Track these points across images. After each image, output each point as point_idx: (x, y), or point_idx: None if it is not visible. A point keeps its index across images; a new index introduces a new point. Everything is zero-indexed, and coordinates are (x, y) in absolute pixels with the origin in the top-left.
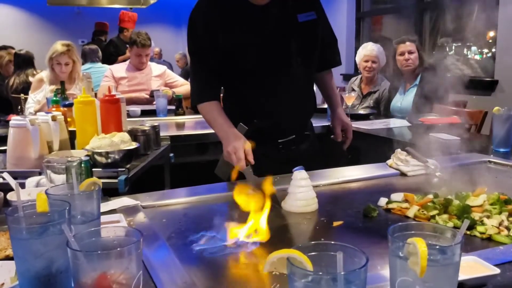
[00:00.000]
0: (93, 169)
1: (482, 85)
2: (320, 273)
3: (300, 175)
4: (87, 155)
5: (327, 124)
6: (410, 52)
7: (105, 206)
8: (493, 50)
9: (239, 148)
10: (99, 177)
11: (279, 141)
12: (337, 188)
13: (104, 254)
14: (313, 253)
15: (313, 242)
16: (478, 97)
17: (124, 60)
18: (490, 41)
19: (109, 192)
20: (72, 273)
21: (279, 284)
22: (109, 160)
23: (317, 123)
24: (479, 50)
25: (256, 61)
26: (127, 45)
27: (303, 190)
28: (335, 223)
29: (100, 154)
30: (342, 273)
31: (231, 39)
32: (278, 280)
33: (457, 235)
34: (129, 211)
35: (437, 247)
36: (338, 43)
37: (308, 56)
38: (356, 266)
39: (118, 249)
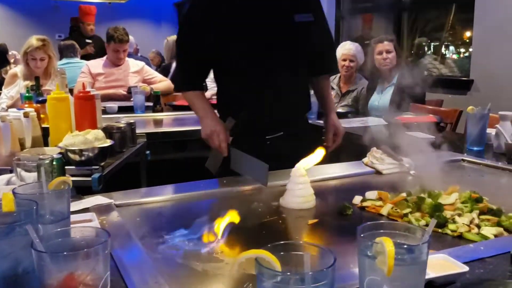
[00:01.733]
0: (66, 167)
1: (458, 84)
2: (288, 273)
3: (299, 172)
4: (60, 153)
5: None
6: (388, 52)
7: (77, 205)
8: (470, 49)
9: (221, 131)
10: (73, 175)
11: (266, 137)
12: (313, 186)
13: (70, 255)
14: (282, 253)
15: (282, 242)
16: (454, 96)
17: (85, 55)
18: (467, 40)
19: (82, 191)
20: (38, 275)
21: (252, 283)
22: (83, 158)
23: None
24: (457, 50)
25: (246, 51)
26: (87, 40)
27: (301, 186)
28: (310, 221)
29: (73, 151)
30: (310, 273)
31: (227, 23)
32: (250, 279)
33: (424, 234)
34: (102, 209)
35: (405, 246)
36: None
37: (300, 57)
38: (324, 265)
39: (85, 250)
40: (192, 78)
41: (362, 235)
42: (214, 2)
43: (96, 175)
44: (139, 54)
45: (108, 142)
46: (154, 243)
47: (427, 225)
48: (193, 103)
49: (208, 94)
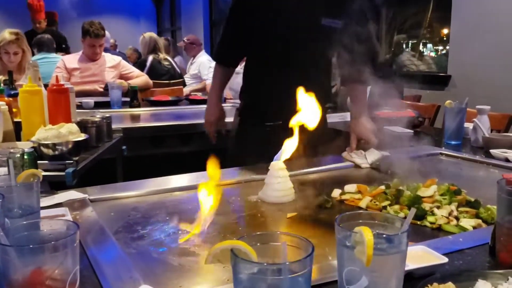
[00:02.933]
0: (39, 162)
1: (435, 80)
2: (265, 263)
3: (277, 165)
4: (32, 147)
5: None
6: None
7: (50, 200)
8: (447, 47)
9: (213, 123)
10: (46, 170)
11: (266, 124)
12: (292, 180)
13: (36, 249)
14: (258, 244)
15: (258, 233)
16: (432, 92)
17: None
18: (445, 38)
19: (56, 186)
20: (2, 270)
21: (230, 279)
22: (56, 152)
23: None
24: (435, 48)
25: (269, 43)
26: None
27: (280, 180)
28: (289, 215)
29: (46, 145)
30: (287, 262)
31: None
32: (230, 273)
33: (403, 224)
34: (76, 204)
35: (384, 236)
36: None
37: (320, 57)
38: (302, 255)
39: (52, 243)
40: (231, 50)
41: (340, 225)
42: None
43: (70, 170)
44: (117, 50)
45: (82, 136)
46: (128, 238)
47: (405, 217)
48: (211, 88)
49: (187, 90)
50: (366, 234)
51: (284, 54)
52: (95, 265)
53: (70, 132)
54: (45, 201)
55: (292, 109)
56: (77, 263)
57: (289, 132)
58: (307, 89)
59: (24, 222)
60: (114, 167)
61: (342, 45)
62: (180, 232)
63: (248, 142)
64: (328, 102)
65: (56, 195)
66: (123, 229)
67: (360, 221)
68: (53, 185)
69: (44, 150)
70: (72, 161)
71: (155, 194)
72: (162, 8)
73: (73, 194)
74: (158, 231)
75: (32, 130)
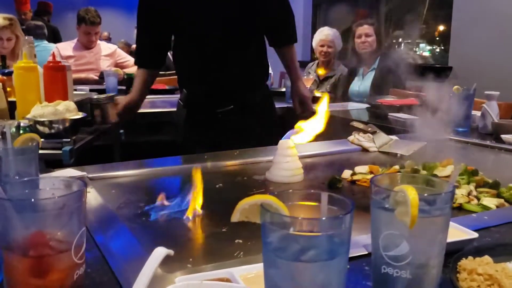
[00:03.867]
0: None
1: (437, 71)
2: (300, 217)
3: (286, 144)
4: (28, 125)
5: (286, 106)
6: (367, 35)
7: None
8: (441, 46)
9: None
10: (42, 148)
11: (217, 110)
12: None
13: (37, 204)
14: (290, 203)
15: (290, 191)
16: (434, 83)
17: None
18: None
19: (52, 164)
20: (0, 231)
21: (243, 252)
22: (53, 130)
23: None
24: (432, 47)
25: (192, 19)
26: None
27: (289, 159)
28: None
29: (42, 123)
30: (324, 218)
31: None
32: (242, 247)
33: (448, 184)
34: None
35: (427, 196)
36: None
37: (251, 31)
38: (341, 213)
39: (55, 197)
40: (144, 57)
41: (377, 186)
42: None
43: (67, 148)
44: (111, 43)
45: (80, 115)
46: (132, 213)
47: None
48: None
49: None
50: (410, 192)
51: (206, 44)
52: (97, 240)
53: (67, 110)
54: None
55: (238, 92)
56: (84, 225)
57: (240, 116)
58: (246, 70)
59: (25, 179)
60: (112, 152)
61: (260, 14)
62: (186, 209)
63: (202, 131)
64: (263, 76)
65: (53, 173)
66: (125, 206)
67: (399, 182)
68: (49, 164)
69: (40, 127)
70: (69, 139)
71: (157, 173)
72: None
73: (70, 172)
74: (161, 207)
75: (27, 108)
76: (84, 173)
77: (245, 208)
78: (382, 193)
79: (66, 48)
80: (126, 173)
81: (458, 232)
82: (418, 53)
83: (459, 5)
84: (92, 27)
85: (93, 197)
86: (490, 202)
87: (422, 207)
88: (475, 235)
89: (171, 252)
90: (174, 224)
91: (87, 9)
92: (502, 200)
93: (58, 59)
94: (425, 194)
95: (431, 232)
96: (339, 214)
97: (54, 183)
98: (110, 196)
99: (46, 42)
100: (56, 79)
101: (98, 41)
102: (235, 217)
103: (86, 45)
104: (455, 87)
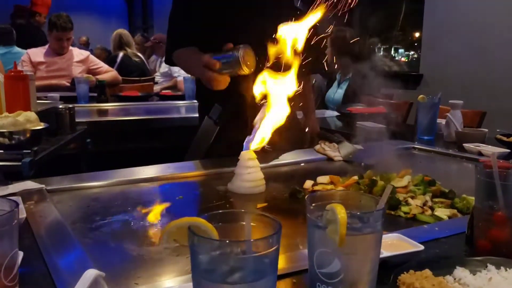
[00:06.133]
0: None
1: (408, 79)
2: (227, 240)
3: (247, 155)
4: None
5: None
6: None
7: (3, 190)
8: (419, 52)
9: (211, 76)
10: (1, 160)
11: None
12: (263, 172)
13: None
14: (220, 224)
15: (220, 211)
16: (405, 91)
17: None
18: (416, 43)
19: (11, 176)
20: None
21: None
22: (13, 142)
23: None
24: (406, 53)
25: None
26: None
27: (251, 170)
28: (259, 205)
29: (2, 134)
30: (252, 240)
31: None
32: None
33: (379, 202)
34: (32, 195)
35: (358, 214)
36: None
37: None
38: (269, 233)
39: None
40: (185, 35)
41: (312, 205)
42: None
43: (27, 159)
44: (90, 48)
45: (41, 125)
46: (86, 228)
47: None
48: (186, 59)
49: (157, 88)
50: (339, 211)
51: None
52: (46, 256)
53: (28, 121)
54: None
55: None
56: (16, 246)
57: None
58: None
59: None
60: (78, 162)
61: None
62: (140, 222)
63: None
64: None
65: (10, 185)
66: (81, 220)
67: (333, 200)
68: (8, 176)
69: (0, 139)
70: (29, 151)
71: (118, 185)
72: (133, 6)
73: (28, 184)
74: (117, 221)
75: None
76: (43, 185)
77: (172, 231)
78: (316, 212)
79: (37, 53)
80: (88, 185)
81: (405, 244)
82: (397, 58)
83: (429, 14)
84: (63, 33)
85: (48, 211)
86: (443, 213)
87: (353, 225)
88: (421, 247)
89: (102, 274)
90: (129, 238)
91: (59, 14)
92: (455, 211)
93: (27, 65)
94: (357, 212)
95: (363, 250)
96: (266, 235)
97: None
98: (67, 209)
99: (16, 48)
100: (18, 89)
101: (71, 47)
102: (163, 240)
103: (58, 51)
104: (420, 96)
